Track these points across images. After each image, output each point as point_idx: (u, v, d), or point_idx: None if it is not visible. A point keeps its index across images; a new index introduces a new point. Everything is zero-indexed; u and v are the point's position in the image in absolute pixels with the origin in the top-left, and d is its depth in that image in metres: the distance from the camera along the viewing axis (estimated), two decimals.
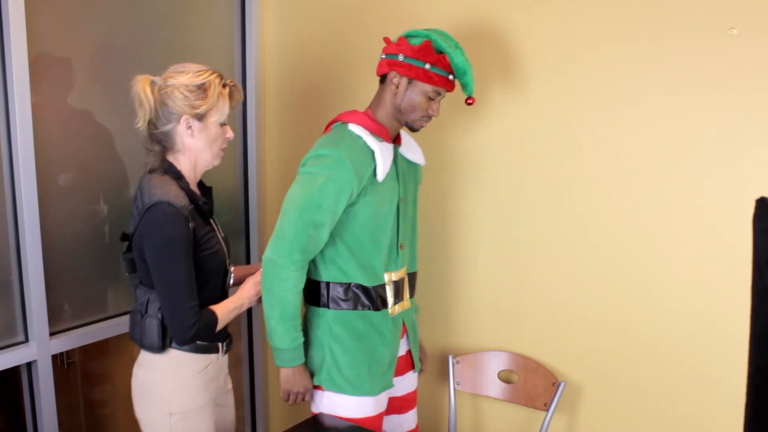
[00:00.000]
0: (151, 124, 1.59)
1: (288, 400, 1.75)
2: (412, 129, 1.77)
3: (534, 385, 2.05)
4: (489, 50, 2.01)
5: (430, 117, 1.74)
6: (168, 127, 1.58)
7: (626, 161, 1.85)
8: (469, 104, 1.75)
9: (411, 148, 1.86)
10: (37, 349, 1.85)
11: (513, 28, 1.97)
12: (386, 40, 1.76)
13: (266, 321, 1.68)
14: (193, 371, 1.65)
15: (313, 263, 1.74)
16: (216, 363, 1.72)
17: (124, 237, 1.69)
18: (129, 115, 2.07)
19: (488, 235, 2.11)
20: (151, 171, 1.63)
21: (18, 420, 2.01)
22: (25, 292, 1.83)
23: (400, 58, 1.68)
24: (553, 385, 2.01)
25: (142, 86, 1.58)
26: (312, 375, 1.77)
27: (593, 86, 1.87)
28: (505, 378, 2.13)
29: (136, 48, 2.07)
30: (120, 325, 2.10)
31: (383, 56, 1.73)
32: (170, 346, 1.63)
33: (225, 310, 1.68)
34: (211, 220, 1.73)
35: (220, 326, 1.66)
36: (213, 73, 1.60)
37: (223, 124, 1.64)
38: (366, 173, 1.66)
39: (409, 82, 1.69)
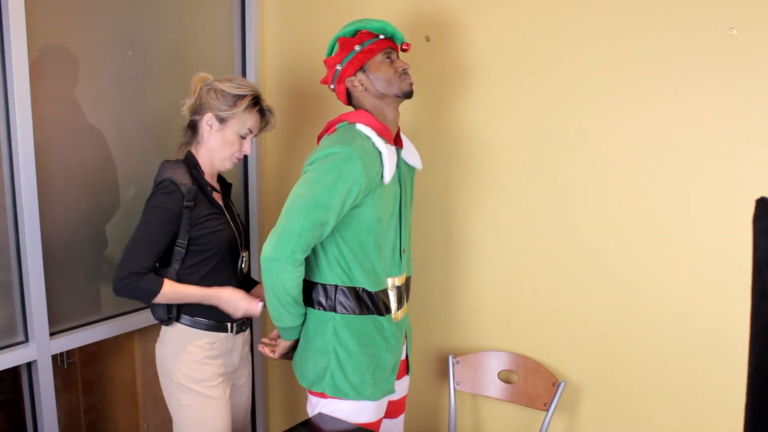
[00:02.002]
0: (191, 111, 1.84)
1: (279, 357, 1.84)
2: (407, 96, 1.73)
3: (534, 385, 2.05)
4: (487, 48, 2.01)
5: (405, 71, 1.72)
6: (196, 118, 1.83)
7: (625, 161, 1.85)
8: (405, 50, 1.76)
9: (411, 152, 1.85)
10: (37, 349, 1.85)
11: (512, 26, 1.97)
12: (322, 81, 1.81)
13: (271, 311, 1.68)
14: (197, 345, 1.81)
15: (317, 264, 1.73)
16: (225, 342, 1.86)
17: None
18: (129, 115, 2.09)
19: (488, 236, 2.11)
20: (168, 160, 1.84)
21: (18, 420, 2.01)
22: (25, 292, 1.83)
23: (339, 68, 1.73)
24: (553, 385, 2.01)
25: (197, 80, 1.84)
26: (312, 383, 1.75)
27: (592, 86, 1.87)
28: (505, 378, 2.13)
29: (136, 48, 2.07)
30: (120, 325, 2.10)
31: (331, 87, 1.78)
32: (177, 321, 1.81)
33: (182, 291, 1.75)
34: (226, 209, 1.88)
35: (165, 300, 1.74)
36: (252, 93, 1.81)
37: (243, 137, 1.83)
38: (374, 175, 1.64)
39: (363, 71, 1.71)
